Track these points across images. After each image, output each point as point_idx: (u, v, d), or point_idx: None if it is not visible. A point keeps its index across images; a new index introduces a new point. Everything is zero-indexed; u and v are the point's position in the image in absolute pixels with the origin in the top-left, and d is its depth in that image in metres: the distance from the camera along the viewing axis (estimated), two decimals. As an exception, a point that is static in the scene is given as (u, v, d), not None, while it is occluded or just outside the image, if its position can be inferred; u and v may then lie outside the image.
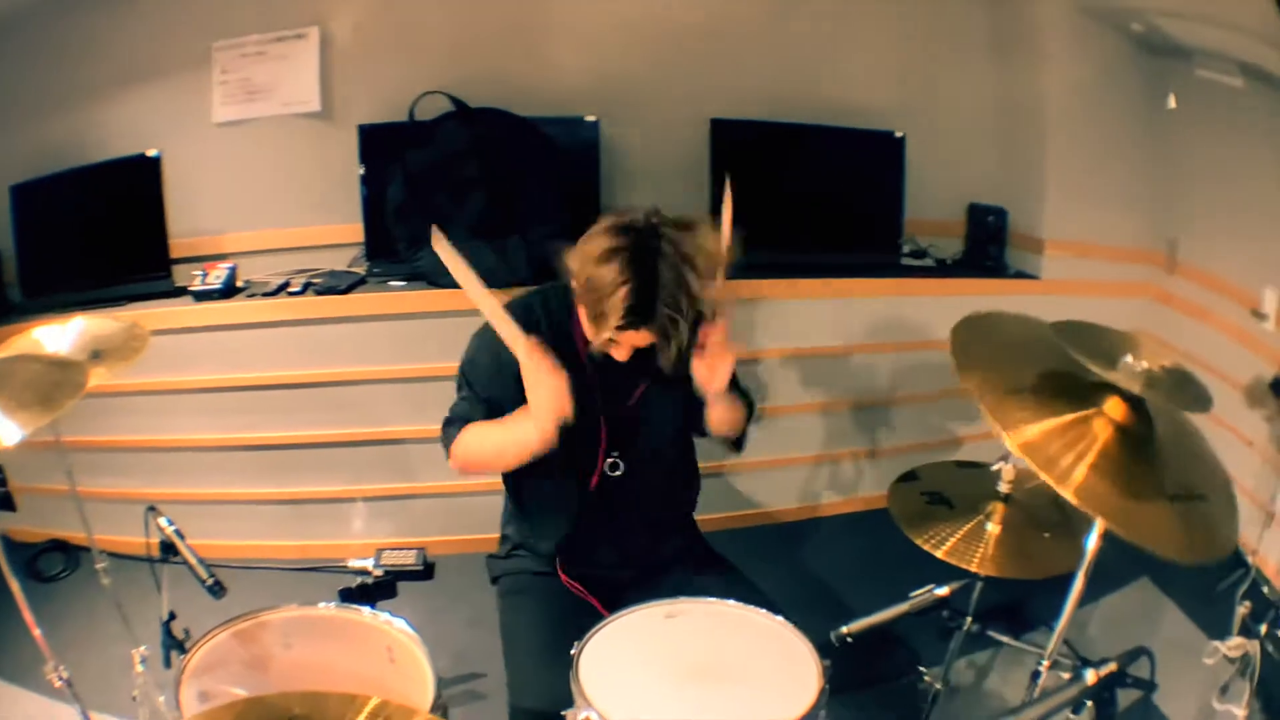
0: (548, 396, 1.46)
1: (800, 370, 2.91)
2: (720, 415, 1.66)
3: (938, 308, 2.92)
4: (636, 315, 1.44)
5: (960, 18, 3.01)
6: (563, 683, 1.32)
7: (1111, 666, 1.02)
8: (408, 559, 2.69)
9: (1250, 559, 2.31)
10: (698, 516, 1.91)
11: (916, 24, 3.00)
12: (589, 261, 1.47)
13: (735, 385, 1.70)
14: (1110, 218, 2.97)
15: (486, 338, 1.61)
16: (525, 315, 1.61)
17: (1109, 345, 1.25)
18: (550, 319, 1.64)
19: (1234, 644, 1.71)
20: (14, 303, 2.91)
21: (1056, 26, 2.82)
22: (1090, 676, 1.01)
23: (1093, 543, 1.21)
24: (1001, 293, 2.99)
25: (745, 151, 2.80)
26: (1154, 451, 1.20)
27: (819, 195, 2.90)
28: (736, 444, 1.79)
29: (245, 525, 2.79)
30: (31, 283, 2.86)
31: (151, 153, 2.72)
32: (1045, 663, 1.25)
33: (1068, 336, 1.28)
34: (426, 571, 2.69)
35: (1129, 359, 1.20)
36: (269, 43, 2.72)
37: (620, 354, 1.57)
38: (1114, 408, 1.20)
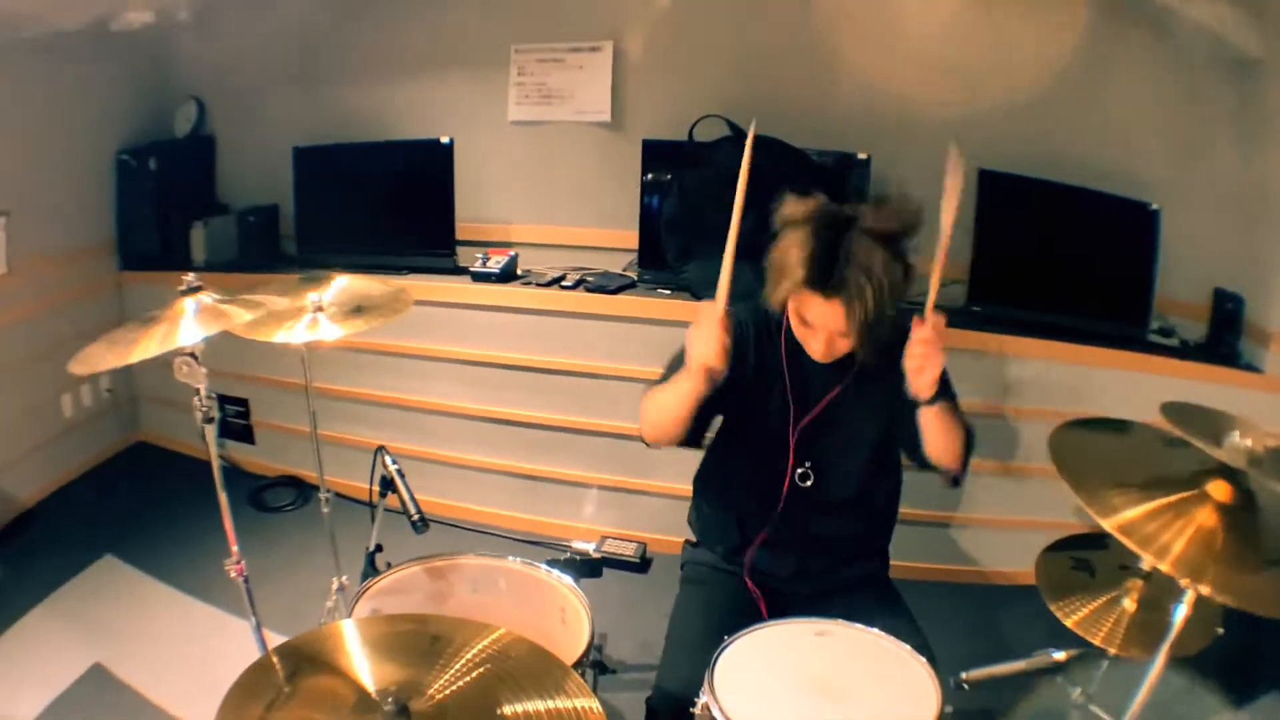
0: (702, 344, 1.49)
1: (1036, 431, 2.92)
2: (934, 431, 1.57)
3: (1168, 389, 2.87)
4: (816, 272, 1.47)
5: (1214, 95, 2.94)
6: (704, 671, 1.41)
7: None
8: (627, 550, 2.85)
9: None
10: (906, 562, 1.93)
11: (1178, 97, 2.95)
12: (783, 227, 1.55)
13: (954, 405, 1.62)
14: None
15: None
16: (753, 310, 1.69)
17: (1215, 426, 1.26)
18: (768, 319, 1.69)
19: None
20: (287, 254, 3.23)
21: None
22: None
23: (1181, 613, 1.20)
24: (1228, 382, 2.90)
25: (1011, 205, 2.83)
26: (1258, 525, 1.19)
27: (1077, 257, 2.88)
28: (955, 480, 1.68)
29: (480, 492, 3.01)
30: (307, 239, 3.15)
31: (445, 139, 2.96)
32: None
33: (1176, 416, 1.30)
34: (643, 565, 2.84)
35: (1235, 436, 1.21)
36: (566, 51, 2.93)
37: (816, 345, 1.57)
38: (1217, 489, 1.20)
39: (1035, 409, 2.86)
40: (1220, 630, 2.57)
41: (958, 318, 2.78)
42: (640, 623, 2.38)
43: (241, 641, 1.82)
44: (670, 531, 2.84)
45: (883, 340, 1.57)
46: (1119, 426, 1.47)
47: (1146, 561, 1.13)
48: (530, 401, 2.89)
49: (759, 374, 1.70)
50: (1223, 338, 2.96)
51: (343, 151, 3.11)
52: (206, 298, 1.59)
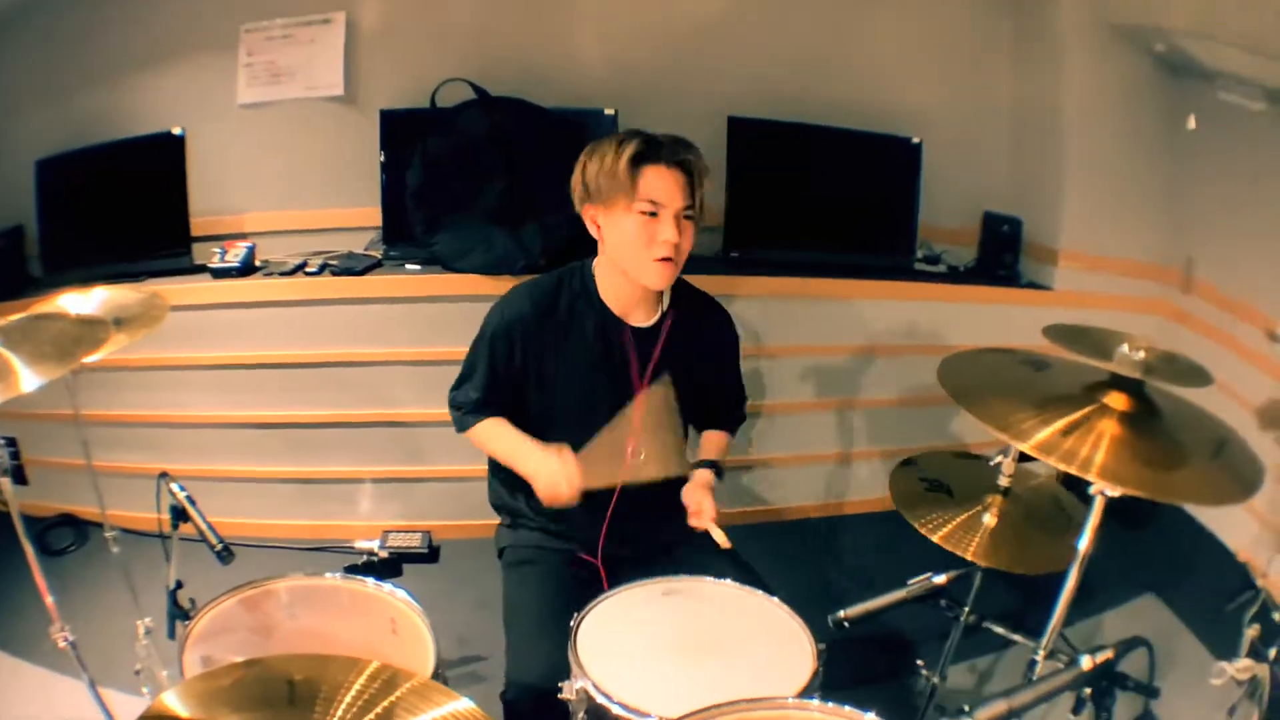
0: (557, 489, 1.55)
1: (809, 369, 2.92)
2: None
3: (949, 314, 2.94)
4: (649, 146, 1.57)
5: (981, 22, 3.01)
6: (561, 654, 1.34)
7: (1108, 654, 1.02)
8: (413, 541, 2.71)
9: (1260, 581, 2.29)
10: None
11: (937, 27, 3.00)
12: (592, 157, 1.62)
13: (735, 405, 1.92)
14: (1126, 233, 2.96)
15: (510, 313, 1.68)
16: (552, 288, 1.69)
17: (1101, 341, 1.31)
18: (573, 293, 1.70)
19: (1242, 666, 1.69)
20: (35, 276, 2.96)
21: (1079, 38, 2.81)
22: (1086, 662, 1.01)
23: (1086, 538, 1.23)
24: (1013, 302, 2.99)
25: (762, 150, 2.82)
26: (1163, 426, 1.25)
27: (834, 197, 2.91)
28: None
29: (255, 503, 2.82)
30: (53, 257, 2.89)
31: (177, 131, 2.75)
32: (1041, 653, 1.26)
33: (1062, 338, 1.35)
34: (432, 555, 2.70)
35: (1125, 349, 1.25)
36: (295, 26, 2.76)
37: (659, 272, 1.60)
38: (1115, 400, 1.25)
39: (803, 346, 2.88)
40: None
41: (715, 265, 2.78)
42: (451, 615, 2.23)
43: (72, 701, 1.76)
44: (455, 515, 2.74)
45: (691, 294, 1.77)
46: (990, 355, 1.51)
47: (1074, 473, 1.16)
48: (293, 400, 2.71)
49: (573, 356, 1.68)
50: (999, 259, 3.04)
51: (79, 158, 2.84)
52: None
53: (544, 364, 1.68)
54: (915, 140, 2.94)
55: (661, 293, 1.71)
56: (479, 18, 2.76)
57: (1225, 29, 2.34)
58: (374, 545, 2.69)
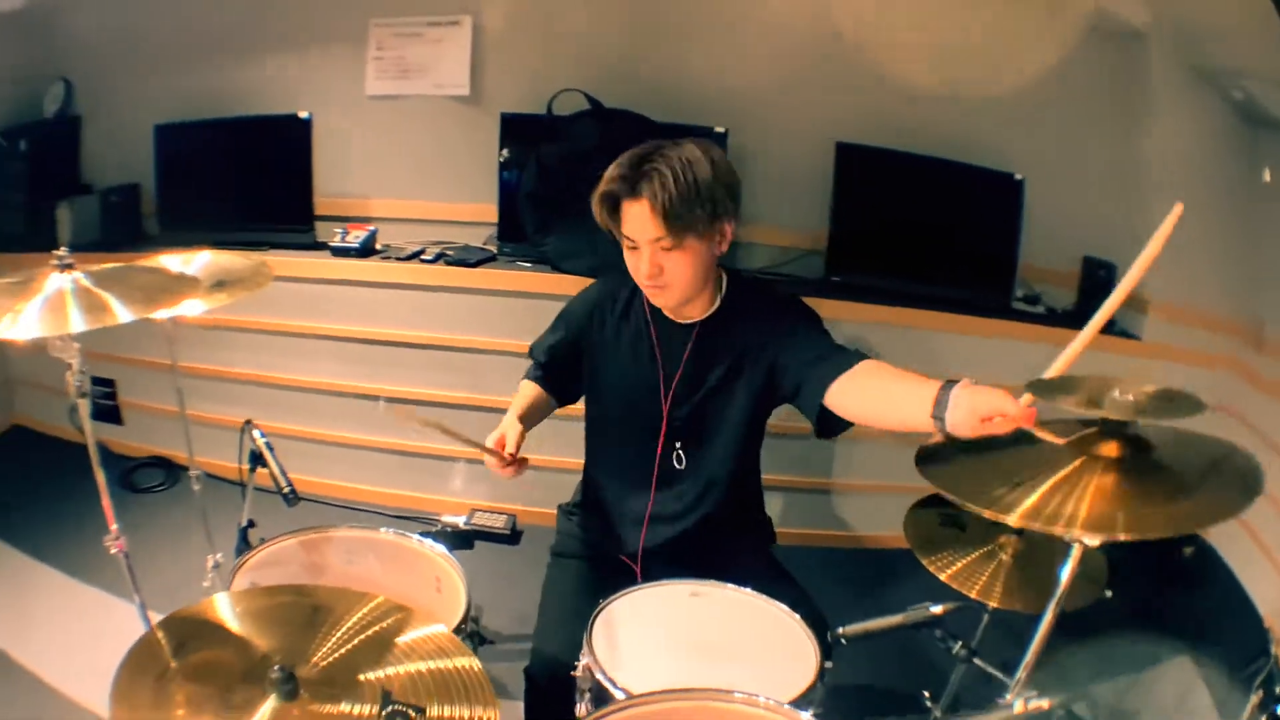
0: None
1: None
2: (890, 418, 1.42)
3: (1041, 355, 2.90)
4: (620, 179, 1.50)
5: (1083, 65, 2.97)
6: (581, 637, 1.41)
7: (1043, 703, 1.03)
8: (497, 522, 2.85)
9: (1275, 648, 2.26)
10: (788, 529, 1.98)
11: (1042, 68, 2.97)
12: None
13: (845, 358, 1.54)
14: (1204, 286, 2.89)
15: (591, 293, 1.77)
16: (619, 283, 1.71)
17: (1089, 389, 1.23)
18: (632, 289, 1.69)
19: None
20: (149, 234, 3.18)
21: (1166, 82, 2.78)
22: (1019, 706, 1.03)
23: (1067, 572, 1.22)
24: (1104, 349, 2.93)
25: (868, 176, 2.85)
26: (1156, 459, 1.20)
27: (936, 228, 2.91)
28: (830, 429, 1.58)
29: (350, 470, 3.00)
30: (169, 217, 3.11)
31: (304, 114, 2.93)
32: (1009, 694, 1.19)
33: (1043, 391, 1.26)
34: (514, 537, 2.85)
35: (1115, 393, 1.19)
36: (424, 25, 2.89)
37: (648, 285, 1.55)
38: (1107, 449, 1.19)
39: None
40: (1109, 594, 2.66)
41: (816, 289, 2.82)
42: (515, 594, 2.32)
43: (125, 621, 1.81)
44: (540, 503, 2.83)
45: (741, 288, 1.65)
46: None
47: (1061, 535, 1.11)
48: (394, 375, 2.87)
49: (620, 350, 1.71)
50: (1093, 304, 3.00)
51: (202, 128, 3.05)
52: (83, 277, 1.56)
53: (599, 352, 1.72)
54: (1018, 176, 2.93)
55: (715, 289, 1.65)
56: (598, 30, 2.86)
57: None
58: (460, 521, 2.87)
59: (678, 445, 1.68)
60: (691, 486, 1.70)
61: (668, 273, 1.52)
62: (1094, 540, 1.14)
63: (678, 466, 1.70)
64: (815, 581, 1.74)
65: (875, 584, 2.82)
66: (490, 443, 1.61)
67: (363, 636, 1.13)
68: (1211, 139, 2.77)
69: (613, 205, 1.54)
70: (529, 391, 1.79)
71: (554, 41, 2.86)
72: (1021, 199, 2.93)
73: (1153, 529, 1.09)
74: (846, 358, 1.53)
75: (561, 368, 1.79)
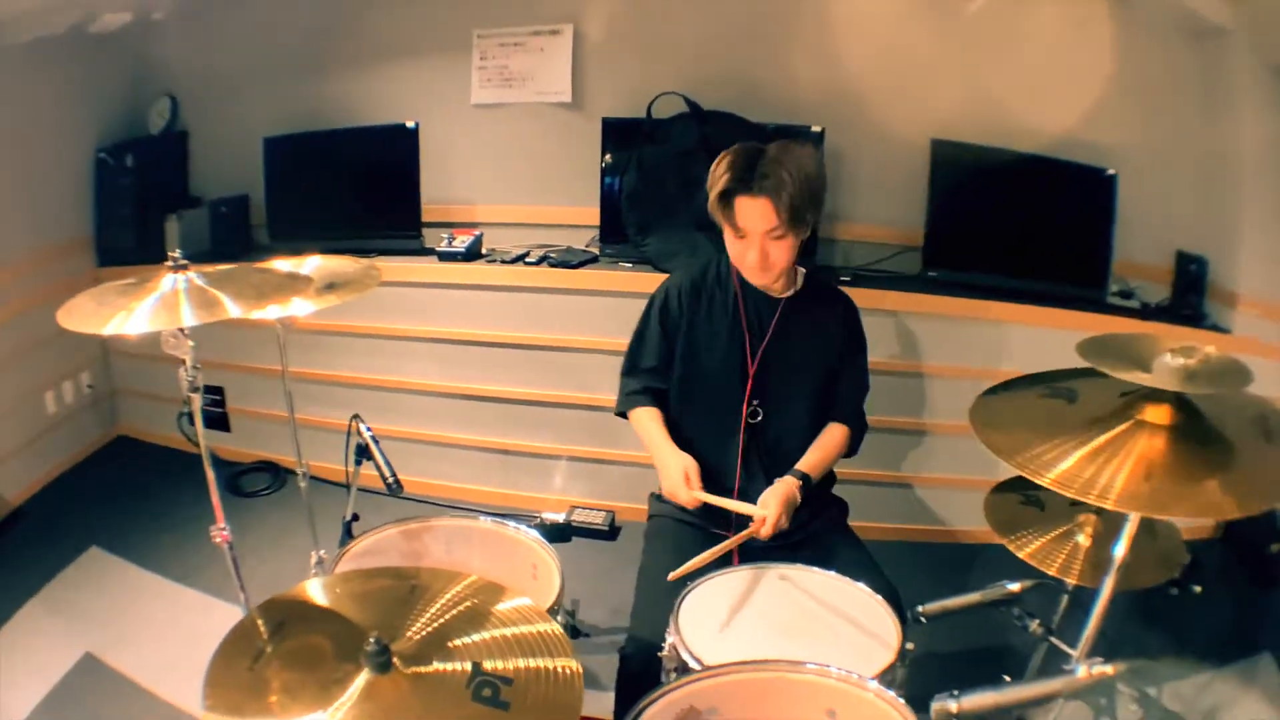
0: (667, 489, 1.81)
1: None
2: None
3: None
4: (740, 172, 1.68)
5: (1172, 62, 2.99)
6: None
7: (1107, 669, 1.02)
8: (596, 519, 2.90)
9: None
10: (874, 524, 2.09)
11: (1133, 64, 3.00)
12: (708, 179, 1.75)
13: (850, 397, 1.92)
14: None
15: (676, 280, 1.93)
16: (703, 266, 1.94)
17: (1140, 351, 1.23)
18: (719, 270, 1.92)
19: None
20: (259, 244, 3.28)
21: (1251, 80, 2.78)
22: (1082, 671, 1.01)
23: (1122, 546, 1.20)
24: (1196, 342, 2.94)
25: (962, 172, 2.88)
26: (1207, 430, 1.17)
27: (1030, 223, 2.93)
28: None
29: (451, 467, 3.06)
30: (279, 227, 3.21)
31: (410, 124, 3.03)
32: (1078, 660, 1.18)
33: (1094, 352, 1.26)
34: (612, 533, 2.89)
35: (1166, 357, 1.17)
36: (527, 35, 2.99)
37: (752, 258, 1.74)
38: (1156, 414, 1.17)
39: (991, 370, 2.89)
40: (1197, 589, 2.60)
41: (914, 284, 2.86)
42: (612, 589, 2.40)
43: (225, 621, 1.84)
44: (639, 500, 2.85)
45: (818, 283, 1.89)
46: (1036, 380, 1.47)
47: (1092, 502, 1.11)
48: (499, 376, 2.94)
49: (712, 319, 1.88)
50: (1186, 299, 3.01)
51: (310, 140, 3.17)
52: (196, 277, 1.62)
53: (693, 330, 1.89)
54: (1110, 172, 2.94)
55: (793, 272, 1.86)
56: (694, 34, 2.93)
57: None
58: (559, 518, 2.91)
59: (756, 403, 1.87)
60: (771, 445, 1.88)
61: (771, 256, 1.75)
62: (1152, 513, 1.12)
63: (753, 422, 1.87)
64: (902, 572, 1.77)
65: (963, 572, 2.82)
66: (692, 486, 1.78)
67: (454, 612, 1.17)
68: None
69: (728, 200, 1.73)
70: (653, 420, 1.92)
71: (652, 46, 2.94)
72: (1114, 194, 2.94)
73: (1185, 510, 1.09)
74: (842, 408, 1.92)
75: (665, 369, 1.93)
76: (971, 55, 2.93)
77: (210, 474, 1.70)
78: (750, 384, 1.85)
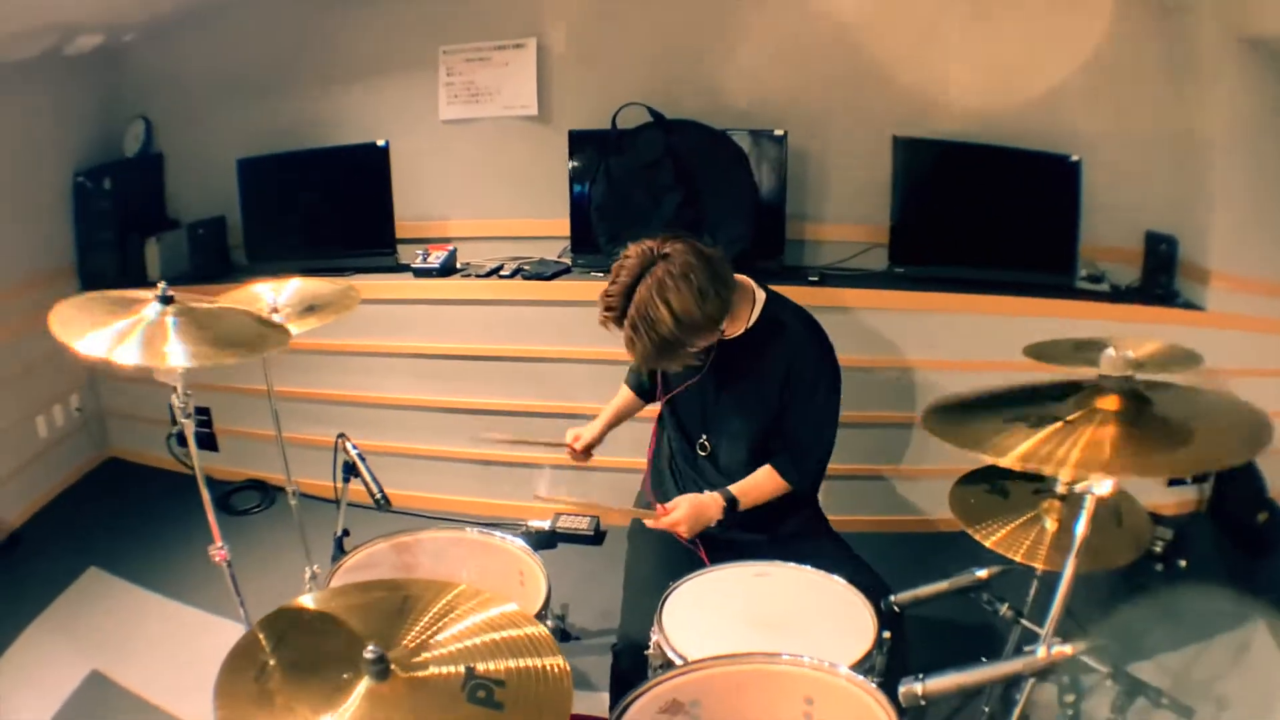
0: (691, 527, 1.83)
1: (965, 384, 2.99)
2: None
3: (1107, 333, 2.94)
4: (612, 311, 1.71)
5: (1133, 42, 3.00)
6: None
7: (1066, 650, 1.05)
8: (581, 525, 2.95)
9: None
10: (855, 517, 2.18)
11: (1093, 48, 3.01)
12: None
13: (793, 462, 1.87)
14: (1272, 254, 2.92)
15: None
16: None
17: (1085, 350, 1.29)
18: None
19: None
20: (237, 264, 3.32)
21: (1219, 54, 2.80)
22: (1042, 652, 1.05)
23: (1082, 524, 1.23)
24: (1167, 321, 2.97)
25: (925, 168, 2.92)
26: (1154, 412, 1.22)
27: (995, 214, 2.97)
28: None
29: (437, 480, 3.11)
30: (256, 248, 3.25)
31: (380, 142, 3.05)
32: (1044, 642, 1.18)
33: (1041, 353, 1.34)
34: (597, 538, 2.94)
35: (1111, 352, 1.23)
36: (491, 50, 3.02)
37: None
38: (1106, 403, 1.22)
39: (965, 362, 2.95)
40: (1183, 563, 2.58)
41: (882, 280, 2.89)
42: (600, 592, 2.44)
43: (226, 637, 1.90)
44: (623, 503, 2.93)
45: (772, 319, 1.84)
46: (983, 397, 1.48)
47: (1049, 474, 1.15)
48: (478, 389, 2.99)
49: None
50: (1157, 279, 3.03)
51: (283, 160, 3.20)
52: (187, 305, 1.68)
53: None
54: (1074, 158, 2.96)
55: (749, 309, 1.84)
56: (656, 44, 2.96)
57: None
58: (545, 525, 2.97)
59: (704, 436, 1.94)
60: (718, 475, 1.93)
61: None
62: (1104, 489, 1.17)
63: (702, 454, 1.95)
64: (885, 563, 1.82)
65: (945, 561, 2.87)
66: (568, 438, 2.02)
67: (446, 620, 1.22)
68: (1263, 107, 2.78)
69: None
70: (622, 394, 2.13)
71: (615, 57, 2.96)
72: (1079, 180, 2.96)
73: (1140, 470, 1.13)
74: (781, 450, 1.89)
75: (652, 372, 2.01)
76: (931, 48, 2.96)
77: (206, 495, 1.76)
78: (703, 416, 1.94)
